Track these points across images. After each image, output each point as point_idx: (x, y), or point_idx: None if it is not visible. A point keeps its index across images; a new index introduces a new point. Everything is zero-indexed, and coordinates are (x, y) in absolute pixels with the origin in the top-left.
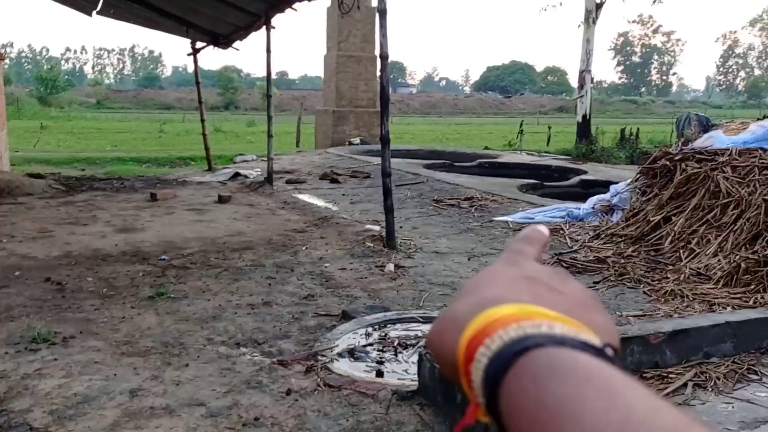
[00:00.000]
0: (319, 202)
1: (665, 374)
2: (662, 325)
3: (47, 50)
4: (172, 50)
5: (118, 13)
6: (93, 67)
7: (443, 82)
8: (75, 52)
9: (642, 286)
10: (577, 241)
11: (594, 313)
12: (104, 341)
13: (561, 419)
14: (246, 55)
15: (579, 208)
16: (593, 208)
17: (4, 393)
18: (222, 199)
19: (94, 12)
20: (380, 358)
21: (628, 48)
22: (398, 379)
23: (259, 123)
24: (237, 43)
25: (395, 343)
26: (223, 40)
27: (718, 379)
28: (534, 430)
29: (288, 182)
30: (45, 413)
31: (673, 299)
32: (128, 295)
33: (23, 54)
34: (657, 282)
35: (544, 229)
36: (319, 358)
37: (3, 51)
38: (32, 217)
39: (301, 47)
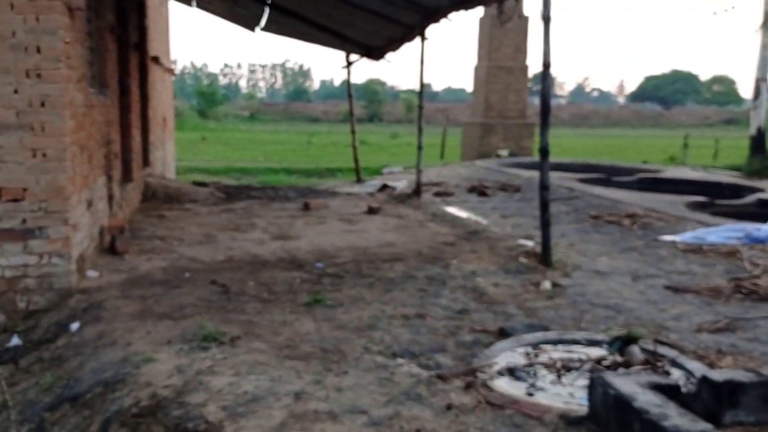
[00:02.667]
0: (468, 215)
1: None
2: None
3: (207, 66)
4: (320, 65)
5: (280, 29)
6: (247, 82)
7: (595, 93)
8: (231, 67)
9: None
10: (757, 265)
11: None
12: (267, 344)
13: None
14: (390, 68)
15: (759, 229)
16: None
17: (182, 386)
18: (371, 210)
19: (257, 27)
20: (542, 379)
21: None
22: (564, 402)
23: (402, 135)
24: (388, 55)
25: (558, 365)
26: (376, 52)
27: None
28: None
29: (436, 194)
30: (218, 408)
31: None
32: (287, 300)
33: (186, 70)
34: None
35: None
36: (479, 374)
37: (172, 67)
38: (198, 222)
39: (444, 59)
